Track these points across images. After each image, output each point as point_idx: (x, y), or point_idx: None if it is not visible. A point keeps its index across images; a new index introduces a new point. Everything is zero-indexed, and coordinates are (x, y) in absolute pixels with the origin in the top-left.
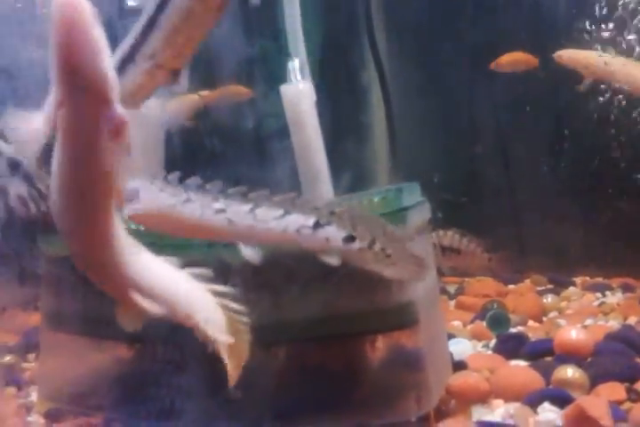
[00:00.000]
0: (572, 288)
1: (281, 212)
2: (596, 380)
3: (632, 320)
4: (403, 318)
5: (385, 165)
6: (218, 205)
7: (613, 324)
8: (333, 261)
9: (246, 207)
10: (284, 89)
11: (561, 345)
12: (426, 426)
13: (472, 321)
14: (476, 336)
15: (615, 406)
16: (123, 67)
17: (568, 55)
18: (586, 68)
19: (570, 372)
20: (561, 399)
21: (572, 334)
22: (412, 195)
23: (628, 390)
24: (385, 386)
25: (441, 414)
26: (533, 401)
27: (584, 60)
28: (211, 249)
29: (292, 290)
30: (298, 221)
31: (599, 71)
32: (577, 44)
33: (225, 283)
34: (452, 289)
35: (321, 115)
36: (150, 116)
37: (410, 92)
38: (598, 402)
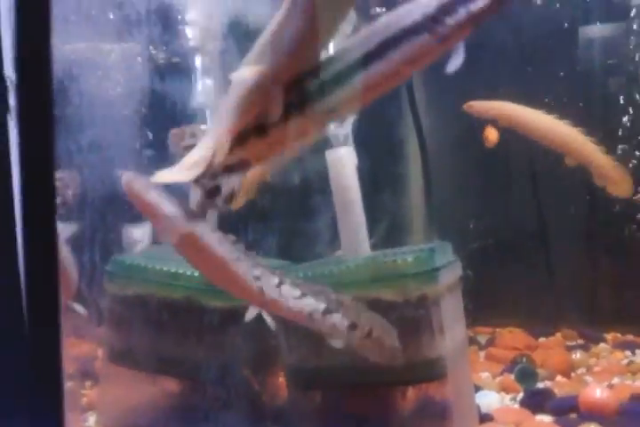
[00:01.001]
0: (602, 344)
1: (299, 293)
2: None
3: None
4: (431, 371)
5: (421, 216)
6: (256, 272)
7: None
8: (337, 344)
9: (275, 280)
10: (329, 153)
11: (585, 403)
12: None
13: (501, 373)
14: (504, 389)
15: None
16: (296, 108)
17: (479, 105)
18: (500, 117)
19: None
20: None
21: (597, 392)
22: (445, 254)
23: None
24: None
25: None
26: None
27: (497, 110)
28: None
29: None
30: (311, 305)
31: (513, 121)
32: None
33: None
34: (482, 340)
35: (359, 168)
36: None
37: (446, 145)
38: None
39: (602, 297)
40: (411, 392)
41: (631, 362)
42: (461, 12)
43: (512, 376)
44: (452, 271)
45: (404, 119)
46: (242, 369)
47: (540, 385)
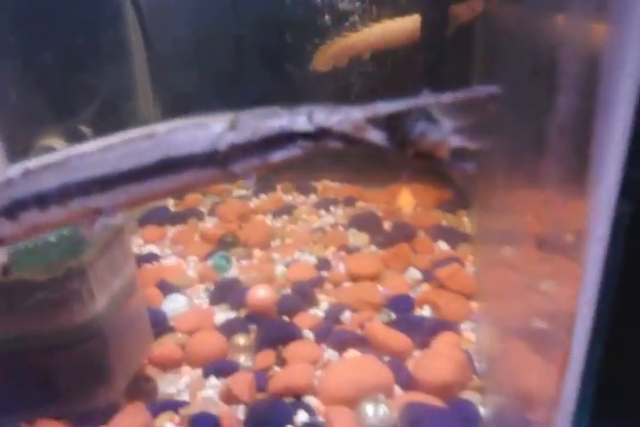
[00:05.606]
0: (307, 203)
1: None
2: (260, 346)
3: (329, 252)
4: (87, 332)
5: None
6: None
7: (311, 259)
8: None
9: None
10: None
11: (250, 305)
12: (113, 410)
13: (206, 258)
14: (202, 279)
15: (261, 375)
16: None
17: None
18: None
19: (242, 340)
20: (227, 371)
21: (260, 293)
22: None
23: (277, 356)
24: (80, 385)
25: (131, 394)
26: (208, 372)
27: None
28: None
29: None
30: None
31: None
32: None
33: None
34: (206, 207)
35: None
36: None
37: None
38: (244, 379)
39: None
40: (72, 352)
41: (319, 228)
42: (256, 159)
43: (210, 263)
44: (106, 231)
45: None
46: None
47: (236, 270)
